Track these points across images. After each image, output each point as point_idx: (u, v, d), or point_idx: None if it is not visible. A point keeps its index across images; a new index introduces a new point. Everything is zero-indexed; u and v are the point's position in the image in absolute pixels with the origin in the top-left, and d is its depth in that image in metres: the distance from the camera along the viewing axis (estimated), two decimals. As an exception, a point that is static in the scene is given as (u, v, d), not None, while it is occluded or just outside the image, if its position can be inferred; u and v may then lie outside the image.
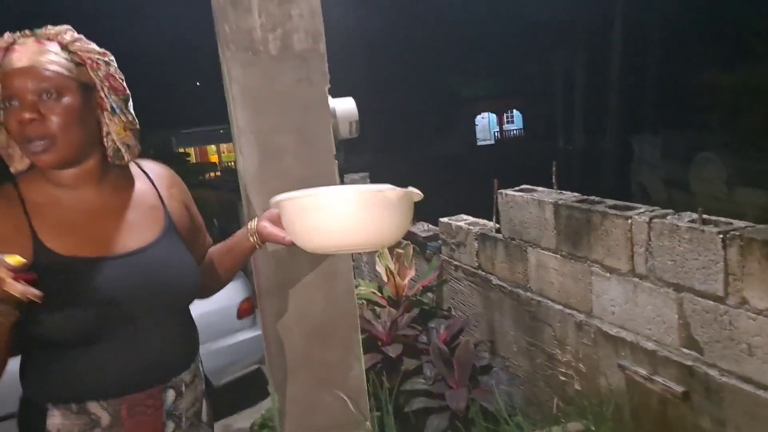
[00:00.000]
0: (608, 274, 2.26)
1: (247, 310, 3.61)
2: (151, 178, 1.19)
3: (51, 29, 1.04)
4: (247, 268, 2.46)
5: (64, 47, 1.03)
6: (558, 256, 2.51)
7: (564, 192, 2.63)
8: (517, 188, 2.83)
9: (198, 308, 1.22)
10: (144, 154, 1.21)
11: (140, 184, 1.17)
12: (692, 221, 1.96)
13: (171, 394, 1.12)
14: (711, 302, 1.88)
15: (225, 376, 3.53)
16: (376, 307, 3.05)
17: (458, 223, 3.22)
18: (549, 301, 2.59)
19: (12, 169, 1.09)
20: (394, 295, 3.08)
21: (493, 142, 23.37)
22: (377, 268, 3.19)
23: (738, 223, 1.88)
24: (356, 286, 2.52)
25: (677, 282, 1.99)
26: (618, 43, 16.34)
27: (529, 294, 2.71)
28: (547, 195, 2.62)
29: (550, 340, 2.60)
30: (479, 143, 22.90)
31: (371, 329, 2.72)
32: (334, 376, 1.73)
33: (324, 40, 1.60)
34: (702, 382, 1.92)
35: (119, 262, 1.06)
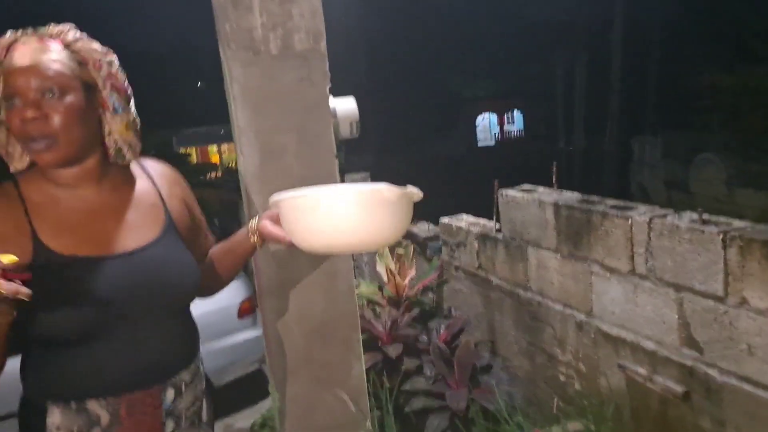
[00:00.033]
0: (608, 274, 2.27)
1: (248, 309, 3.61)
2: (153, 176, 1.19)
3: (53, 28, 1.04)
4: (248, 268, 2.47)
5: (67, 46, 1.03)
6: (558, 256, 2.51)
7: (564, 192, 2.63)
8: (517, 188, 2.83)
9: (199, 308, 1.22)
10: (145, 154, 1.21)
11: (141, 183, 1.17)
12: (692, 221, 1.96)
13: (170, 393, 1.12)
14: (711, 302, 1.89)
15: (226, 376, 3.53)
16: (376, 307, 3.05)
17: (459, 223, 3.23)
18: (549, 301, 2.59)
19: (11, 168, 1.09)
20: (394, 294, 3.08)
21: (493, 142, 23.37)
22: (378, 268, 3.19)
23: (738, 223, 1.88)
24: (357, 286, 2.52)
25: (677, 282, 1.99)
26: (618, 43, 16.33)
27: (529, 294, 2.71)
28: (547, 195, 2.63)
29: (551, 340, 2.60)
30: (480, 144, 22.89)
31: (372, 329, 2.72)
32: (335, 375, 1.73)
33: (325, 39, 1.60)
34: (702, 382, 1.92)
35: (119, 262, 1.06)
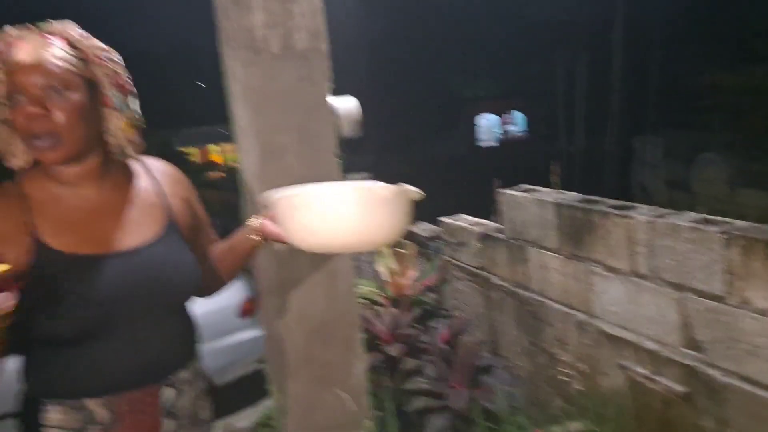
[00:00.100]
0: (609, 274, 2.26)
1: (250, 309, 3.61)
2: (155, 175, 1.19)
3: (56, 25, 1.04)
4: (250, 267, 2.46)
5: (69, 43, 1.03)
6: (559, 255, 2.50)
7: (565, 192, 2.62)
8: (518, 188, 2.83)
9: (200, 307, 1.22)
10: (145, 154, 1.20)
11: (142, 182, 1.17)
12: (693, 221, 1.96)
13: (170, 392, 1.12)
14: (712, 302, 1.88)
15: (227, 375, 3.53)
16: (377, 307, 3.05)
17: (460, 223, 3.22)
18: (550, 301, 2.59)
19: (12, 165, 1.08)
20: (395, 294, 3.08)
21: (494, 142, 23.36)
22: (379, 267, 3.19)
23: (739, 223, 1.88)
24: (357, 286, 2.52)
25: (678, 282, 1.99)
26: (619, 43, 16.32)
27: (530, 294, 2.71)
28: (548, 195, 2.62)
29: (552, 339, 2.60)
30: (480, 144, 22.88)
31: (372, 329, 2.72)
32: (335, 375, 1.73)
33: (326, 39, 1.60)
34: (703, 383, 1.92)
35: (119, 260, 1.06)
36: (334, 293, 1.70)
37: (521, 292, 2.76)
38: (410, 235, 3.62)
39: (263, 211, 1.22)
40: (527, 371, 2.78)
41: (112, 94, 1.07)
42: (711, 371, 1.90)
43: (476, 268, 3.08)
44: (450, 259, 3.31)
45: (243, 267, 1.34)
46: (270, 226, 1.19)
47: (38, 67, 0.98)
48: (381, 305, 3.05)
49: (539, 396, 2.71)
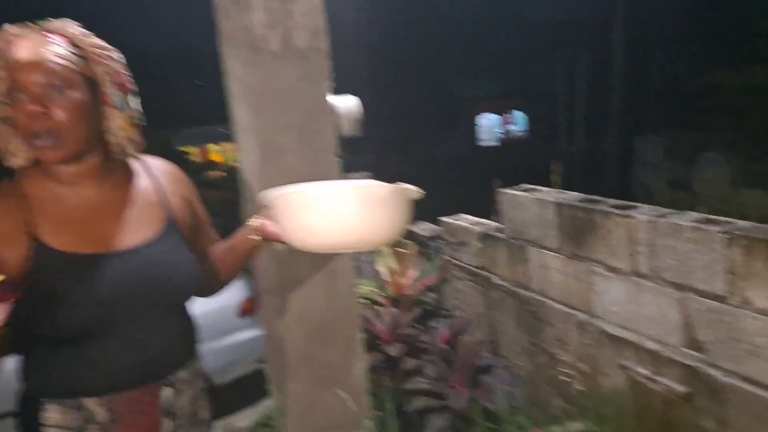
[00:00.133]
0: (610, 274, 2.26)
1: (249, 309, 3.61)
2: (155, 174, 1.19)
3: (56, 23, 1.03)
4: (250, 267, 2.46)
5: (70, 41, 1.02)
6: (560, 255, 2.50)
7: (566, 191, 2.62)
8: (518, 188, 2.83)
9: (199, 306, 1.21)
10: (146, 153, 1.20)
11: (142, 181, 1.16)
12: (695, 221, 1.96)
13: (168, 392, 1.12)
14: (714, 302, 1.88)
15: (226, 375, 3.53)
16: (377, 307, 3.05)
17: (460, 223, 3.22)
18: (551, 301, 2.59)
19: (11, 164, 1.08)
20: (395, 294, 3.08)
21: (495, 142, 23.37)
22: (379, 267, 3.19)
23: (741, 223, 1.87)
24: (357, 285, 2.51)
25: (680, 282, 1.98)
26: (620, 43, 16.30)
27: (530, 294, 2.70)
28: (548, 194, 2.62)
29: (552, 339, 2.59)
30: (481, 143, 22.89)
31: (372, 328, 2.71)
32: (335, 375, 1.72)
33: (326, 37, 1.60)
34: (705, 383, 1.92)
35: (119, 260, 1.06)
36: (334, 293, 1.70)
37: (522, 291, 2.75)
38: (410, 235, 3.62)
39: (263, 210, 1.21)
40: (527, 371, 2.77)
41: (112, 92, 1.06)
42: (712, 371, 1.89)
43: (476, 267, 3.08)
44: (450, 258, 3.31)
45: (243, 267, 1.34)
46: (270, 226, 1.19)
47: (38, 65, 0.98)
48: (381, 305, 3.05)
49: (539, 396, 2.70)
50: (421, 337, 2.79)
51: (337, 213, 1.03)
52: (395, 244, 3.06)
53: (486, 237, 2.98)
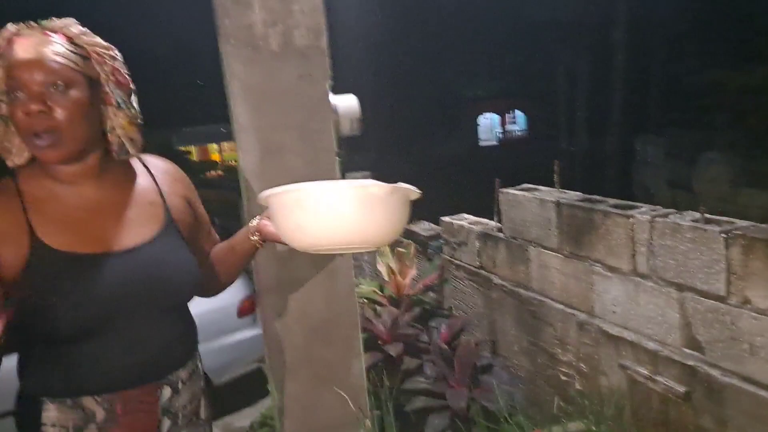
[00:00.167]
0: (610, 274, 2.26)
1: (248, 308, 3.61)
2: (153, 173, 1.18)
3: (57, 21, 1.03)
4: (248, 266, 2.46)
5: (70, 40, 1.02)
6: (560, 255, 2.50)
7: (566, 191, 2.62)
8: (518, 187, 2.82)
9: (198, 306, 1.21)
10: (145, 151, 1.20)
11: (141, 180, 1.16)
12: (695, 220, 1.95)
13: (167, 391, 1.12)
14: (713, 302, 1.88)
15: (225, 375, 3.53)
16: (377, 306, 3.05)
17: (460, 222, 3.22)
18: (550, 301, 2.58)
19: (9, 163, 1.07)
20: (395, 293, 3.08)
21: (495, 142, 23.38)
22: (378, 266, 3.19)
23: (740, 223, 1.87)
24: (357, 285, 2.51)
25: (679, 281, 1.98)
26: (621, 42, 16.29)
27: (530, 293, 2.70)
28: (548, 194, 2.62)
29: (552, 339, 2.59)
30: (482, 143, 22.90)
31: (372, 328, 2.71)
32: (335, 374, 1.72)
33: (326, 36, 1.59)
34: (704, 382, 1.92)
35: (117, 259, 1.05)
36: (334, 292, 1.70)
37: (521, 291, 2.75)
38: (410, 234, 3.62)
39: (263, 210, 1.21)
40: (527, 371, 2.77)
41: (113, 91, 1.06)
42: (711, 371, 1.89)
43: (476, 267, 3.08)
44: (450, 258, 3.30)
45: (244, 268, 1.33)
46: (269, 226, 1.18)
47: (39, 64, 0.97)
48: (381, 304, 3.05)
49: (539, 396, 2.70)
50: (420, 337, 2.79)
51: (333, 213, 1.01)
52: (395, 244, 3.06)
53: (486, 237, 2.98)
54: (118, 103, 1.07)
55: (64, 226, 1.05)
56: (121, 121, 1.07)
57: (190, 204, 1.22)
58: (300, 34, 1.56)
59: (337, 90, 1.70)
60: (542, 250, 2.60)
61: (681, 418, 2.00)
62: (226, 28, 1.53)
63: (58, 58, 0.98)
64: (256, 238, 1.21)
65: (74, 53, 1.01)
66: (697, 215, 1.98)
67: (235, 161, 1.91)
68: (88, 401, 1.04)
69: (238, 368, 3.61)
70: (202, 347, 1.24)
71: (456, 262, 3.25)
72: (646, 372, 2.11)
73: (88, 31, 1.06)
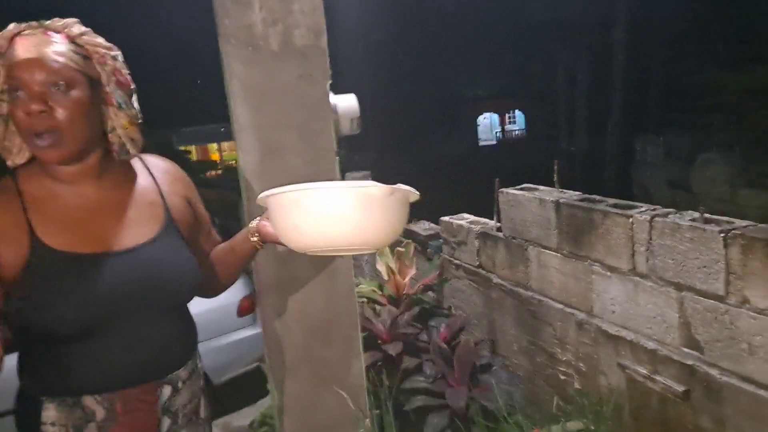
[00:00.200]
0: (609, 273, 2.26)
1: (247, 308, 3.61)
2: (154, 173, 1.18)
3: (58, 21, 1.03)
4: (248, 266, 2.46)
5: (71, 40, 1.02)
6: (559, 254, 2.50)
7: (565, 191, 2.62)
8: (518, 187, 2.83)
9: (198, 305, 1.21)
10: (145, 151, 1.20)
11: (141, 180, 1.16)
12: (693, 220, 1.96)
13: (167, 390, 1.12)
14: (712, 301, 1.88)
15: (225, 374, 3.53)
16: (376, 306, 3.05)
17: (459, 222, 3.22)
18: (550, 300, 2.59)
19: (9, 163, 1.07)
20: (394, 293, 3.08)
21: (495, 142, 23.39)
22: (378, 266, 3.19)
23: (739, 223, 1.88)
24: (357, 284, 2.51)
25: (678, 281, 1.99)
26: (621, 43, 16.30)
27: (529, 293, 2.70)
28: (548, 193, 2.62)
29: (551, 339, 2.59)
30: (481, 143, 22.90)
31: (372, 327, 2.72)
32: (334, 373, 1.72)
33: (325, 36, 1.59)
34: (703, 382, 1.92)
35: (117, 259, 1.06)
36: (334, 292, 1.70)
37: (521, 291, 2.76)
38: (410, 234, 3.62)
39: (263, 211, 1.21)
40: (526, 370, 2.77)
41: (114, 91, 1.06)
42: (710, 370, 1.90)
43: (476, 267, 3.08)
44: (450, 258, 3.31)
45: (244, 269, 1.33)
46: (268, 227, 1.18)
47: (40, 63, 0.97)
48: (380, 304, 3.05)
49: (538, 395, 2.71)
50: (420, 336, 2.79)
51: (332, 214, 1.00)
52: (395, 244, 3.07)
53: (485, 236, 2.98)
54: (119, 104, 1.07)
55: (64, 226, 1.05)
56: (121, 122, 1.07)
57: (190, 204, 1.22)
58: (300, 34, 1.57)
59: (337, 90, 1.70)
60: (542, 249, 2.60)
61: (680, 417, 2.01)
62: (226, 28, 1.53)
63: (59, 58, 0.98)
64: (256, 239, 1.20)
65: (75, 53, 1.01)
66: (697, 215, 1.98)
67: (235, 161, 1.91)
68: (88, 400, 1.05)
69: (238, 367, 3.62)
70: (202, 346, 1.24)
71: (455, 261, 3.25)
72: (645, 371, 2.11)
73: (90, 31, 1.06)
